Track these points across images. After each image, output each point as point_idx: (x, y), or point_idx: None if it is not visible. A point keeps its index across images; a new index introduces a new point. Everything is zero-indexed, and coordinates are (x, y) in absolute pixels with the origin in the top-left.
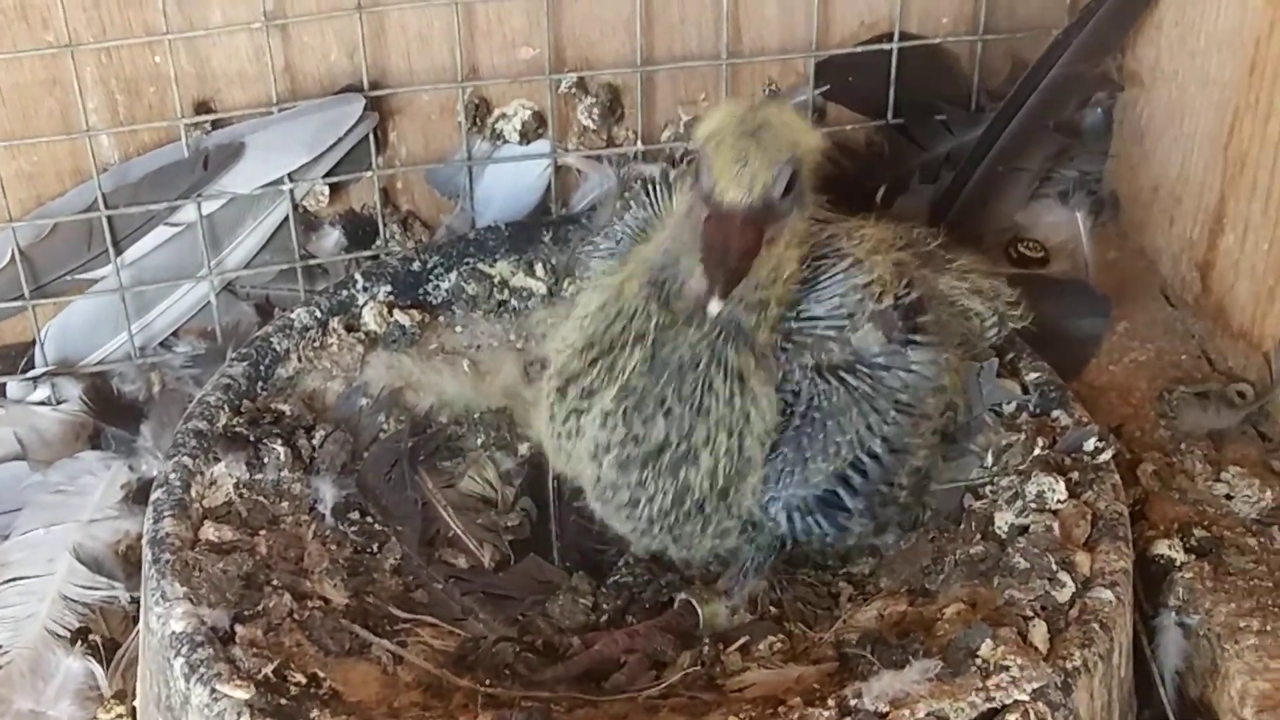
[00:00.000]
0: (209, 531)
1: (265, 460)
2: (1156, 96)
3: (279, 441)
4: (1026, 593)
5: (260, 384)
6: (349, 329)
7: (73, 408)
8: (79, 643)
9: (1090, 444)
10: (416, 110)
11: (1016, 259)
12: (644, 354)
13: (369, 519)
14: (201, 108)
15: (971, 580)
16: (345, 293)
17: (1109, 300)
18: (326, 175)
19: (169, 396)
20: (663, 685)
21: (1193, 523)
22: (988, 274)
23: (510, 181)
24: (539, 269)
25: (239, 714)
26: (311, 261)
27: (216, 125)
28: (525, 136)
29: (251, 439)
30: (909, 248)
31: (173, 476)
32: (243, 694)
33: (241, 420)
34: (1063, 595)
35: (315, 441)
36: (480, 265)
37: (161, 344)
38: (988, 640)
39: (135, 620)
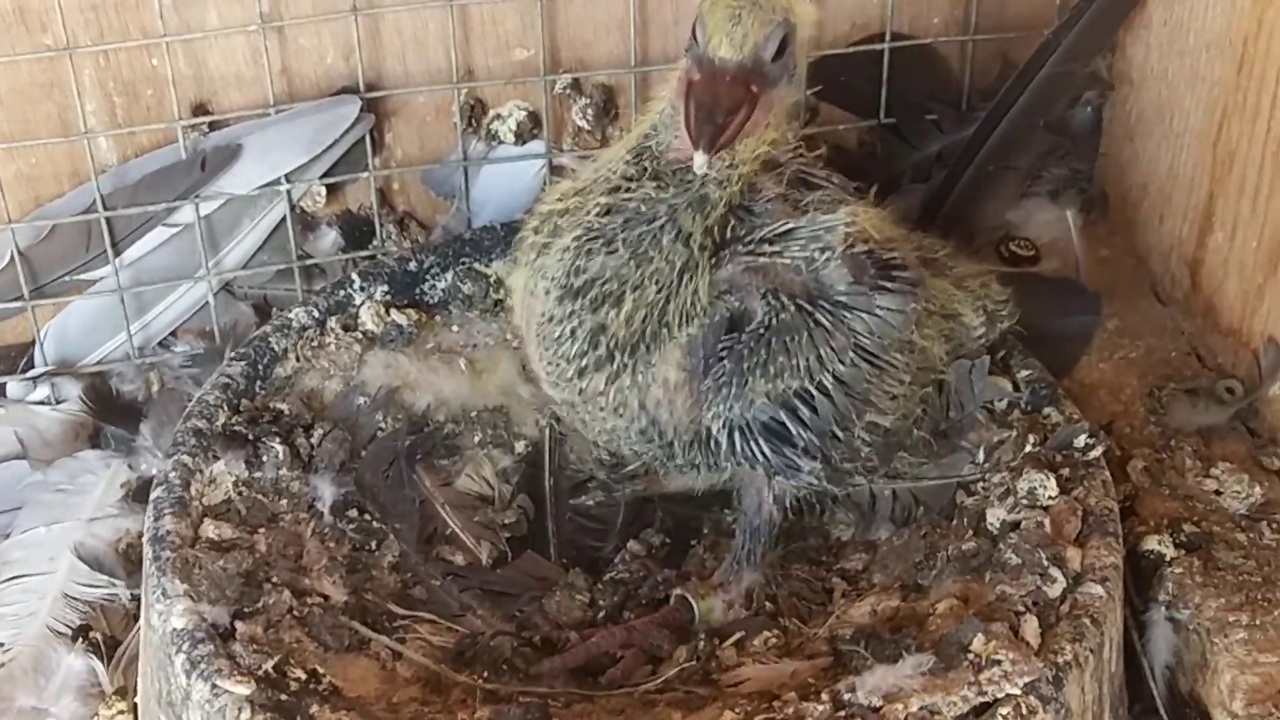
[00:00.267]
0: (209, 529)
1: (264, 459)
2: (1146, 95)
3: (278, 440)
4: (1018, 588)
5: (259, 383)
6: (346, 328)
7: (72, 407)
8: (80, 640)
9: (1081, 441)
10: (412, 111)
11: (1007, 257)
12: (607, 200)
13: (367, 517)
14: (199, 110)
15: (964, 576)
16: (342, 292)
17: (1099, 298)
18: (323, 176)
19: (168, 396)
20: (659, 680)
21: (1182, 518)
22: (979, 273)
23: (505, 182)
24: None
25: (240, 709)
26: (309, 261)
27: (214, 127)
28: (520, 137)
29: (250, 438)
30: (917, 250)
31: (173, 475)
32: (243, 690)
33: (240, 419)
34: (1054, 590)
35: (314, 440)
36: (476, 265)
37: (160, 344)
38: (980, 635)
39: (136, 618)
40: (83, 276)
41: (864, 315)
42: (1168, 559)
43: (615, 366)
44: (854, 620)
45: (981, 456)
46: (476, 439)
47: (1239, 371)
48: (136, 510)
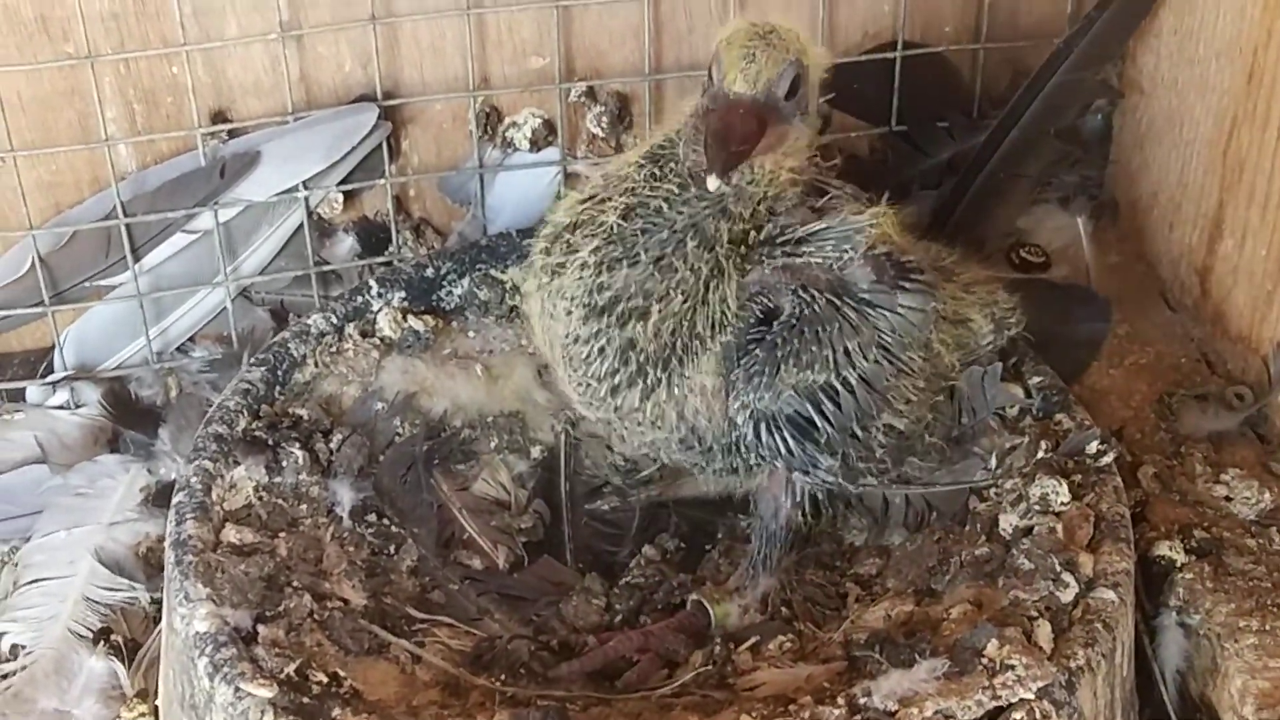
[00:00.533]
0: (230, 534)
1: (284, 464)
2: (1156, 104)
3: (297, 445)
4: (1031, 593)
5: (278, 389)
6: (364, 334)
7: (92, 412)
8: (101, 643)
9: (1092, 447)
10: (429, 119)
11: (1018, 264)
12: (626, 202)
13: (386, 521)
14: (218, 117)
15: (977, 581)
16: (360, 299)
17: (1109, 304)
18: (340, 183)
19: (186, 401)
20: (675, 684)
21: (1193, 524)
22: (988, 280)
23: (521, 189)
24: None
25: (263, 712)
26: (325, 268)
27: (233, 134)
28: (535, 144)
29: (270, 443)
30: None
31: (194, 480)
32: (266, 693)
33: (260, 424)
34: (1066, 595)
35: (332, 445)
36: (492, 271)
37: (178, 349)
38: (993, 640)
39: (156, 621)
40: (102, 282)
41: (886, 313)
42: (1178, 564)
43: (649, 381)
44: (868, 625)
45: (994, 462)
46: (493, 444)
47: (1248, 378)
48: (156, 514)
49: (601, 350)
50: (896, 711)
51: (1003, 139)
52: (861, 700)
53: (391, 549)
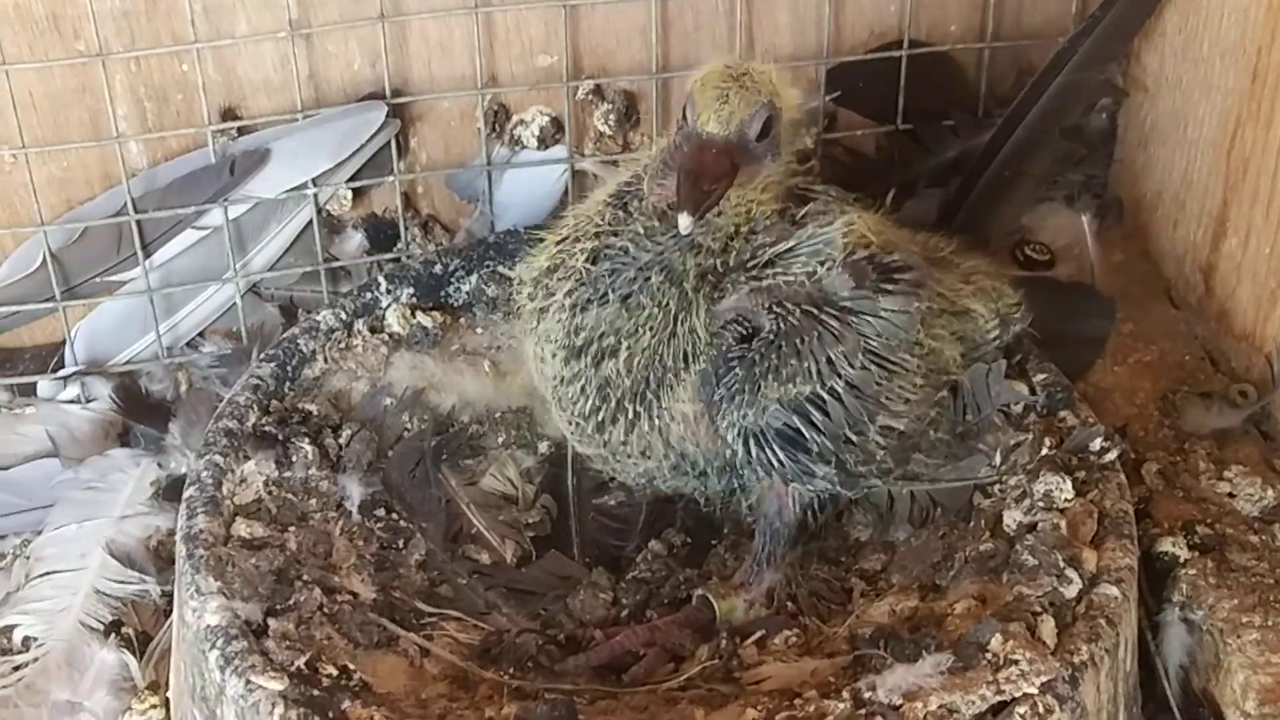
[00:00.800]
0: (240, 528)
1: (294, 458)
2: (1160, 103)
3: (307, 440)
4: (1035, 589)
5: (288, 384)
6: (373, 330)
7: (102, 406)
8: (112, 635)
9: (1096, 444)
10: (437, 117)
11: (1023, 261)
12: (592, 245)
13: (394, 516)
14: (228, 115)
15: (981, 576)
16: (369, 295)
17: (1114, 302)
18: (349, 180)
19: (196, 396)
20: (681, 678)
21: (1196, 521)
22: (992, 276)
23: (528, 186)
24: None
25: (273, 705)
26: (334, 264)
27: (243, 132)
28: (543, 142)
29: (280, 438)
30: (922, 250)
31: (204, 474)
32: (277, 685)
33: (270, 419)
34: (1070, 591)
35: (342, 440)
36: (500, 268)
37: (188, 344)
38: (998, 635)
39: (166, 614)
40: (113, 278)
41: (869, 318)
42: (1182, 561)
43: (630, 415)
44: (873, 620)
45: (998, 459)
46: (500, 439)
47: (1252, 376)
48: (166, 508)
49: (583, 390)
50: (901, 705)
51: (1008, 137)
52: (866, 694)
53: (400, 543)
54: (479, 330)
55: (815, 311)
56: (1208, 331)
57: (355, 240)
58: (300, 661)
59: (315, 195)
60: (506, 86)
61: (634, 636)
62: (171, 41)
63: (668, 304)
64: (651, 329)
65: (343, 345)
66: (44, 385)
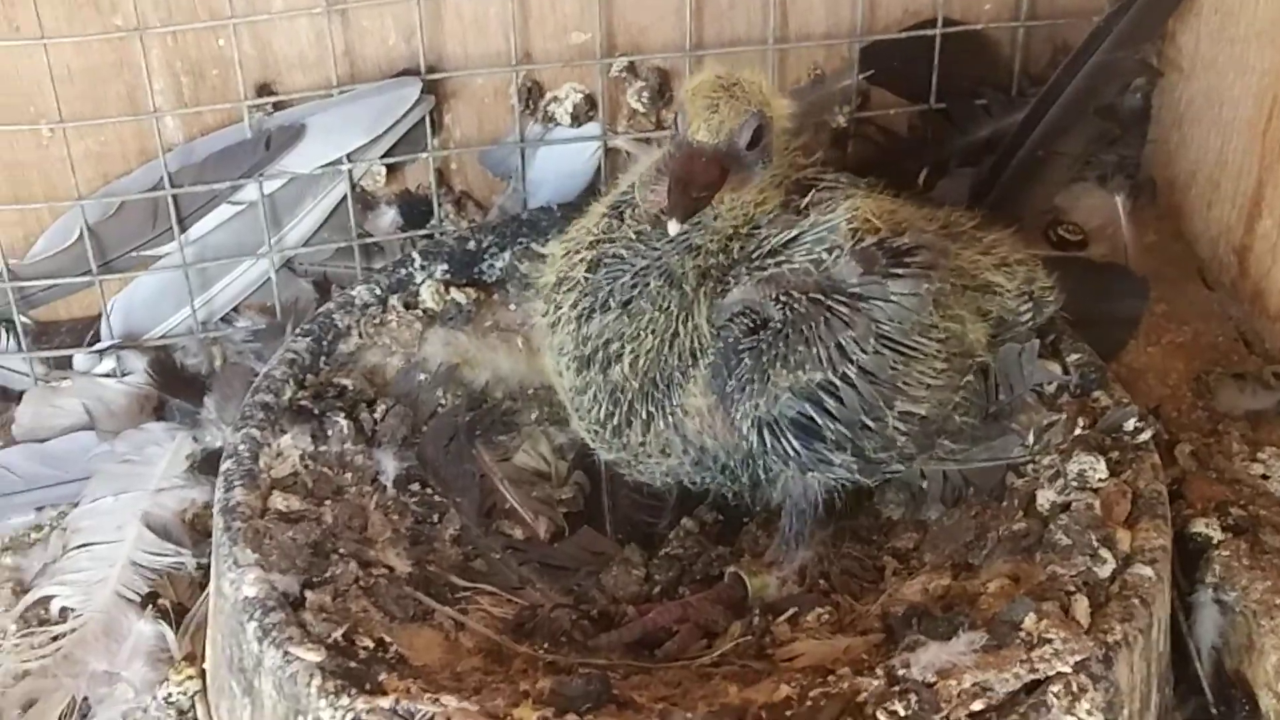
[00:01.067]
0: (277, 501)
1: (329, 433)
2: (1195, 83)
3: (342, 415)
4: (1068, 568)
5: (323, 359)
6: (407, 306)
7: (138, 380)
8: (149, 607)
9: (1130, 424)
10: (471, 93)
11: (1056, 241)
12: (590, 255)
13: (429, 490)
14: (263, 90)
15: (1014, 556)
16: (404, 271)
17: (1147, 282)
18: (384, 156)
19: (230, 370)
20: (714, 654)
21: (1229, 502)
22: (1023, 257)
23: (561, 163)
24: None
25: (311, 675)
26: (368, 240)
27: (278, 107)
28: (576, 119)
29: (316, 412)
30: (944, 228)
31: (241, 448)
32: (314, 656)
33: (306, 394)
34: (1104, 571)
35: (376, 415)
36: (533, 245)
37: (223, 319)
38: (1031, 614)
39: (202, 586)
40: (149, 252)
41: (880, 303)
42: (1215, 542)
43: (644, 416)
44: (906, 598)
45: (1031, 439)
46: (534, 415)
47: None
48: (201, 481)
49: (595, 397)
50: (935, 683)
51: (1041, 117)
52: (900, 671)
53: (435, 518)
54: (512, 306)
55: (823, 299)
56: (1241, 313)
57: (389, 216)
58: (337, 634)
59: (350, 171)
60: (540, 63)
61: (667, 613)
62: (208, 17)
63: (668, 306)
64: (654, 331)
65: (377, 320)
66: (80, 359)
